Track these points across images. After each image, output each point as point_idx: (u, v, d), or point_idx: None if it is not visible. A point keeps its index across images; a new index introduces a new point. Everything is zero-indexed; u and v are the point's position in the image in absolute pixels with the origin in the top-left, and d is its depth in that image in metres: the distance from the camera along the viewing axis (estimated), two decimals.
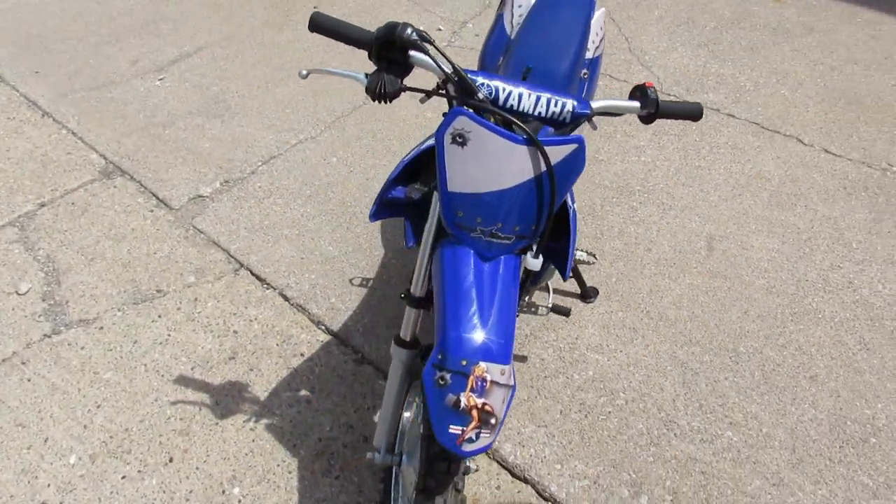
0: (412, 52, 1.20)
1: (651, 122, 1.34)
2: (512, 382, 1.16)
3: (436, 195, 1.32)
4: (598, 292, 2.34)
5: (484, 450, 1.16)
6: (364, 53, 3.69)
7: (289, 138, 3.09)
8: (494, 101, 1.22)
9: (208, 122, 3.19)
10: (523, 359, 2.13)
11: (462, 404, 1.12)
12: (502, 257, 1.25)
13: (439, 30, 3.93)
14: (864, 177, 2.84)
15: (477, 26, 3.97)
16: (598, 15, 2.08)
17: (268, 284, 2.40)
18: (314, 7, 4.17)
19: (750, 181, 2.82)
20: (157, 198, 2.77)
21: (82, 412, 1.99)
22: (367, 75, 1.22)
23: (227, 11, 4.16)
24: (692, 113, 1.36)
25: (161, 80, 3.51)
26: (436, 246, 1.33)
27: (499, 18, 2.14)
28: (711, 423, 1.96)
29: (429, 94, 1.23)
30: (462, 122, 1.17)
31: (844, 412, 1.99)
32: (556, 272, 2.03)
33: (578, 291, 2.32)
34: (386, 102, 1.24)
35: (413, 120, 3.20)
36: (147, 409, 1.99)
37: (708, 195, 2.76)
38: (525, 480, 1.83)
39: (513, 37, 2.04)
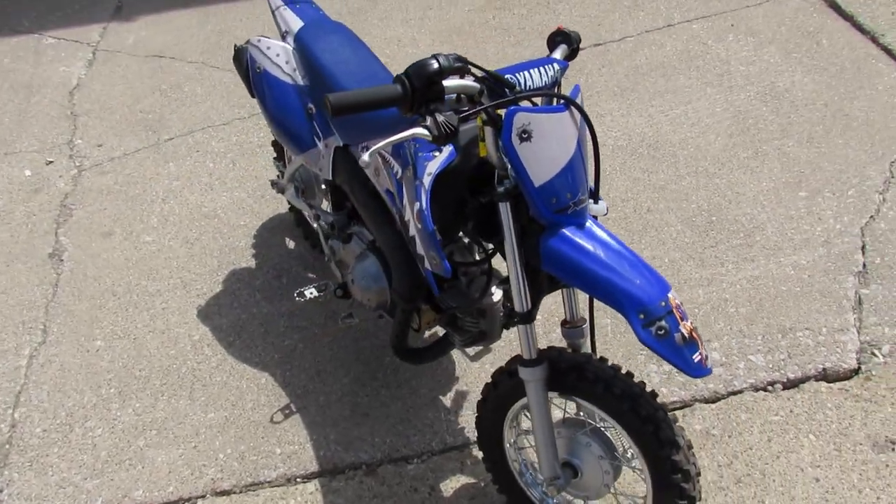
0: (445, 82, 1.27)
1: (574, 58, 1.61)
2: None
3: (502, 209, 1.39)
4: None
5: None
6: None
7: (12, 363, 2.43)
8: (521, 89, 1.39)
9: None
10: None
11: (686, 335, 1.30)
12: (587, 217, 1.42)
13: (49, 162, 3.39)
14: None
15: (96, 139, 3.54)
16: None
17: (188, 500, 1.98)
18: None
19: None
20: None
21: None
22: (426, 127, 1.24)
23: None
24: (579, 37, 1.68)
25: None
26: (522, 253, 1.42)
27: (264, 77, 2.07)
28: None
29: (477, 113, 1.30)
30: (522, 119, 1.30)
31: (691, 215, 2.65)
32: None
33: None
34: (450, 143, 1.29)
35: (146, 250, 2.81)
36: None
37: None
38: None
39: (305, 82, 2.01)
